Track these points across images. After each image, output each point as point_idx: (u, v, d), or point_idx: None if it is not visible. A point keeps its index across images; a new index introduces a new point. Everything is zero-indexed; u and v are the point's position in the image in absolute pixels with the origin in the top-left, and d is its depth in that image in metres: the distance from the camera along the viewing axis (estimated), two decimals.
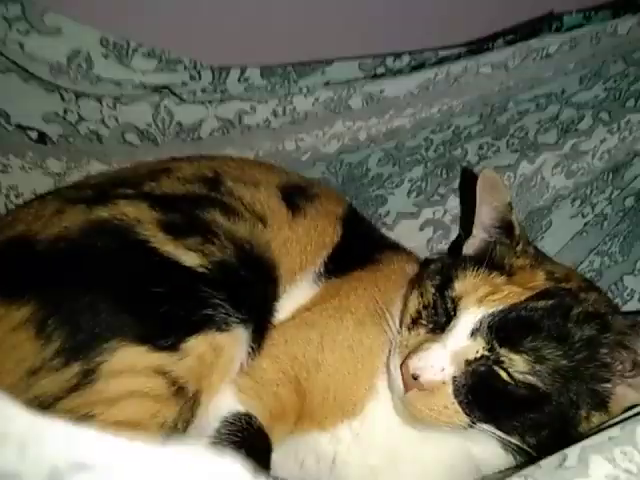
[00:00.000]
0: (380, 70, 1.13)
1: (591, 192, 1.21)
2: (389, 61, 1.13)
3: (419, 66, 1.14)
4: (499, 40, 1.15)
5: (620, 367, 0.74)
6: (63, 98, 0.99)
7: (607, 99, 1.20)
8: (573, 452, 0.58)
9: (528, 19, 1.23)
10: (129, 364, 0.72)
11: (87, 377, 0.71)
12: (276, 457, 0.77)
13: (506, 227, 0.85)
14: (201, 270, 0.80)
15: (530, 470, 0.59)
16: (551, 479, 0.55)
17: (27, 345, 0.72)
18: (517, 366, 0.71)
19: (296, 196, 0.99)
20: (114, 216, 0.81)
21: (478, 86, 1.16)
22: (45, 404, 0.70)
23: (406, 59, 1.14)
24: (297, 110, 1.09)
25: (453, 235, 1.23)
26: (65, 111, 1.01)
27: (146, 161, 1.06)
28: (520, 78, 1.16)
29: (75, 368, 0.71)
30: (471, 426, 0.74)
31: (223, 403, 0.77)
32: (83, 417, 0.70)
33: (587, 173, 1.20)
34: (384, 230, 1.21)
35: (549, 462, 0.58)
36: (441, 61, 1.14)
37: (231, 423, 0.75)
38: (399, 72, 1.13)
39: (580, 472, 0.54)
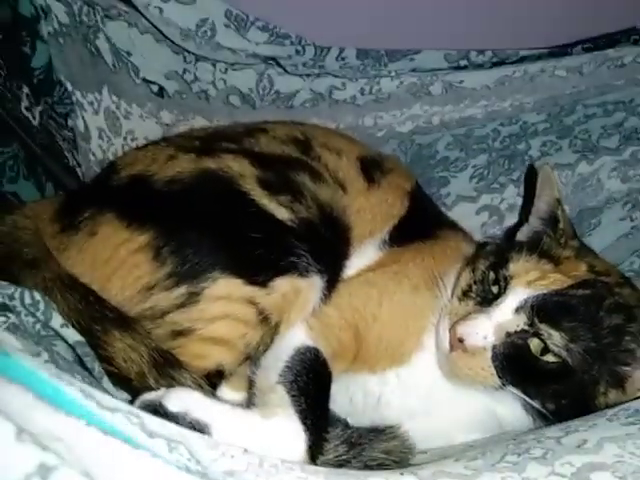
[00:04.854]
0: (463, 63, 1.22)
1: None
2: (472, 55, 1.22)
3: (500, 62, 1.22)
4: (578, 47, 1.22)
5: None
6: (185, 59, 1.13)
7: None
8: (593, 438, 0.65)
9: (611, 32, 1.27)
10: (227, 292, 0.86)
11: (192, 298, 0.85)
12: (331, 390, 0.88)
13: (553, 220, 0.95)
14: (290, 224, 0.92)
15: (552, 444, 0.66)
16: (568, 454, 0.63)
17: (145, 266, 0.86)
18: (554, 340, 0.82)
19: (372, 169, 1.10)
20: (221, 168, 0.94)
21: (551, 86, 1.24)
22: (156, 315, 0.85)
23: (488, 55, 1.22)
24: (382, 90, 1.21)
25: (507, 222, 1.32)
26: (184, 71, 1.15)
27: (242, 122, 1.19)
28: (592, 83, 1.23)
29: (183, 289, 0.85)
30: (501, 388, 0.85)
31: (296, 336, 0.90)
32: (185, 330, 0.85)
33: None
34: (443, 210, 1.30)
35: (570, 442, 0.66)
36: (521, 60, 1.22)
37: (302, 353, 0.86)
38: (480, 66, 1.22)
39: (593, 452, 0.63)
